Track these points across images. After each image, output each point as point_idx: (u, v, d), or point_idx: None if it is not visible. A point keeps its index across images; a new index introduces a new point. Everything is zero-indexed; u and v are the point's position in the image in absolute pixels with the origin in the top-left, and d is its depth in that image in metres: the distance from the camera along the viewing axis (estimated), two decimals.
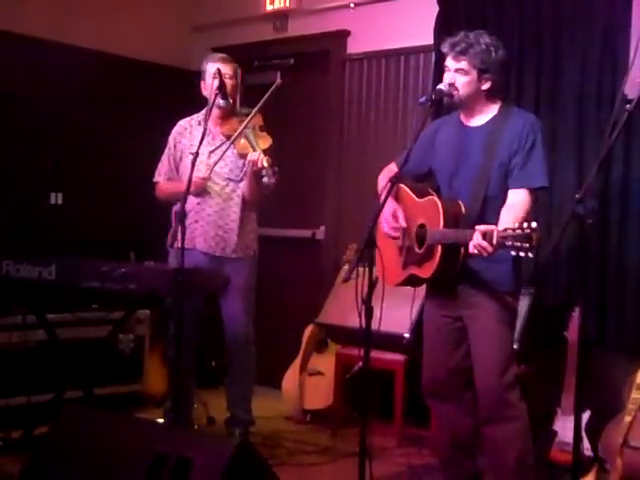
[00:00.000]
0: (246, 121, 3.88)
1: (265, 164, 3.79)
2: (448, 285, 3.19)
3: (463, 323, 3.23)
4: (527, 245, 2.63)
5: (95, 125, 5.26)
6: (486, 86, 3.16)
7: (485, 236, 2.78)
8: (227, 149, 3.85)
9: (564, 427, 3.66)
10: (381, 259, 3.00)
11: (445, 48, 3.18)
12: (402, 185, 3.32)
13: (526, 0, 4.42)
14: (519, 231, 2.65)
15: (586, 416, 3.59)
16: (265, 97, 3.86)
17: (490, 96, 3.20)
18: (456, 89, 3.12)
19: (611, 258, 4.11)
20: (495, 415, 3.13)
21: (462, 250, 3.03)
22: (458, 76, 3.12)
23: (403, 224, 3.23)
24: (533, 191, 3.10)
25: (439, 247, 3.05)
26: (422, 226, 3.16)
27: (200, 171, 3.89)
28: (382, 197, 3.00)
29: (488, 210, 3.08)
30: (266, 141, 3.96)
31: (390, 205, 3.25)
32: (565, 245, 4.10)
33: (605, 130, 2.55)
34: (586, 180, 2.59)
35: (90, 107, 5.25)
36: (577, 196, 2.48)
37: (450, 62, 3.15)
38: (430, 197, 3.18)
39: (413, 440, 4.44)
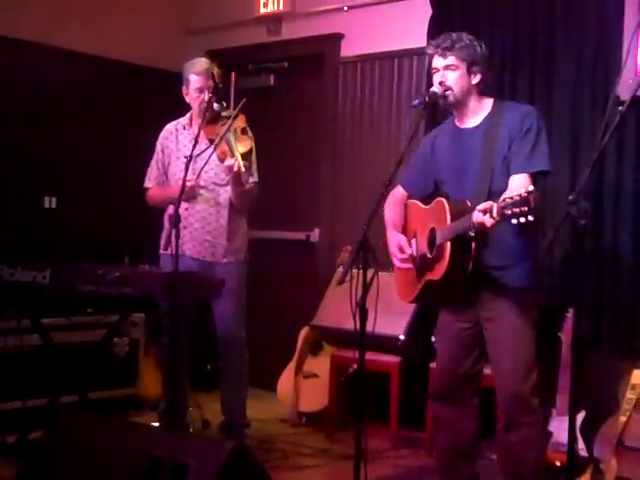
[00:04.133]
0: (225, 128, 3.86)
1: (242, 169, 3.78)
2: (469, 289, 3.14)
3: (480, 327, 3.20)
4: (526, 208, 2.59)
5: (90, 129, 5.26)
6: (476, 80, 3.16)
7: (485, 212, 2.77)
8: (211, 154, 3.83)
9: (559, 428, 3.67)
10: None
11: (430, 50, 3.19)
12: (410, 200, 3.35)
13: (519, 2, 4.43)
14: (517, 197, 2.63)
15: (581, 417, 3.59)
16: (235, 112, 3.86)
17: (481, 92, 3.20)
18: (448, 88, 3.11)
19: (605, 259, 4.12)
20: (519, 421, 3.12)
21: (473, 244, 2.99)
22: (448, 73, 3.12)
23: (408, 251, 3.23)
24: (533, 175, 3.05)
25: (448, 244, 3.00)
26: (433, 230, 3.13)
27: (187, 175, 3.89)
28: (377, 201, 2.98)
29: None
30: (245, 145, 3.91)
31: (393, 238, 3.27)
32: (559, 246, 4.10)
33: (598, 131, 2.55)
34: (579, 181, 2.60)
35: (85, 111, 5.25)
36: (570, 197, 2.49)
37: (438, 61, 3.15)
38: (437, 199, 3.16)
39: (408, 442, 4.45)
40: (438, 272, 3.07)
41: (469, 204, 3.02)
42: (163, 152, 4.14)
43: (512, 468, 3.18)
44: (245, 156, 3.86)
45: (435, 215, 3.12)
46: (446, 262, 3.01)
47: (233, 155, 3.80)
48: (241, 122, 3.97)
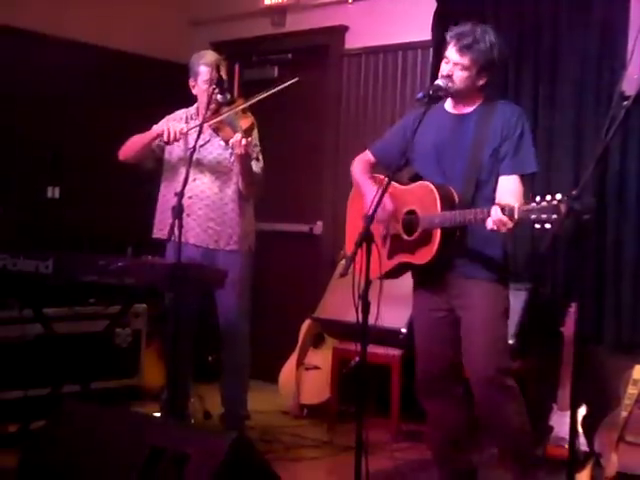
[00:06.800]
0: (233, 110, 3.86)
1: (248, 140, 3.76)
2: (438, 272, 3.16)
3: (455, 315, 3.21)
4: (555, 216, 2.60)
5: (93, 119, 5.25)
6: (481, 82, 3.15)
7: (504, 210, 2.77)
8: (202, 123, 3.79)
9: (560, 422, 3.68)
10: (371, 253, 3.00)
11: (450, 36, 3.13)
12: (381, 175, 3.30)
13: None
14: (544, 203, 2.63)
15: (582, 411, 3.60)
16: (266, 94, 3.86)
17: (481, 90, 3.20)
18: (453, 82, 3.11)
19: (608, 254, 4.12)
20: (495, 401, 3.12)
21: (457, 232, 3.02)
22: (457, 70, 3.11)
23: (390, 207, 3.16)
24: (524, 176, 3.12)
25: (438, 231, 3.02)
26: (411, 212, 3.14)
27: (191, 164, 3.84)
28: (378, 193, 2.98)
29: (480, 195, 3.08)
30: (247, 121, 3.92)
31: (373, 190, 3.18)
32: (562, 241, 4.10)
33: (603, 127, 2.55)
34: (583, 176, 2.60)
35: (88, 101, 5.24)
36: (574, 192, 2.49)
37: (453, 54, 3.11)
38: (421, 182, 3.16)
39: (409, 435, 4.45)
40: (422, 257, 3.09)
41: (454, 192, 3.06)
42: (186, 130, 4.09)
43: (505, 454, 3.21)
44: (248, 131, 3.86)
45: (419, 198, 3.12)
46: (435, 249, 3.04)
47: (235, 131, 3.80)
48: (241, 104, 3.96)
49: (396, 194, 3.23)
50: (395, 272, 3.28)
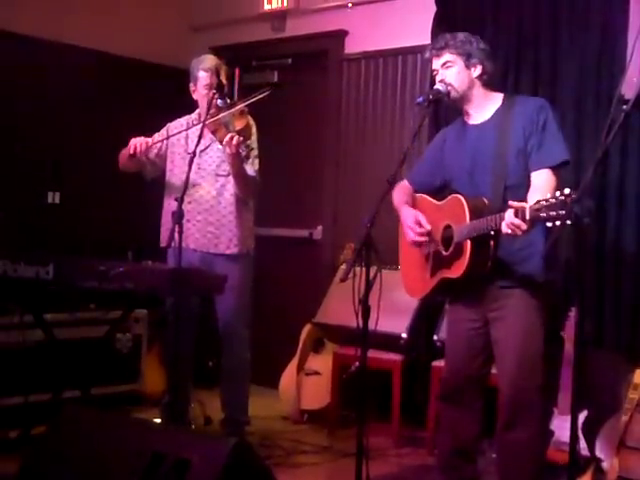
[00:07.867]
0: (225, 113, 3.87)
1: (240, 139, 3.75)
2: (476, 285, 3.11)
3: (488, 328, 3.17)
4: (563, 212, 2.51)
5: (93, 124, 5.26)
6: (477, 72, 3.15)
7: (517, 213, 2.71)
8: (201, 123, 3.80)
9: (561, 427, 3.67)
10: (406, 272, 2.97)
11: (427, 54, 3.22)
12: (420, 195, 3.32)
13: (524, 1, 4.43)
14: (553, 200, 2.55)
15: (583, 416, 3.59)
16: (252, 99, 3.87)
17: (487, 85, 3.18)
18: (449, 84, 3.12)
19: (608, 257, 4.12)
20: (518, 420, 3.09)
21: (492, 242, 2.95)
22: (445, 70, 3.13)
23: (427, 227, 3.17)
24: (555, 168, 3.02)
25: (468, 243, 2.97)
26: (448, 227, 3.10)
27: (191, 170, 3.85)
28: (380, 199, 2.97)
29: (513, 200, 2.87)
30: (241, 122, 3.90)
31: (410, 213, 3.23)
32: (562, 244, 4.09)
33: (602, 130, 2.55)
34: (583, 179, 2.59)
35: (88, 106, 5.25)
36: (574, 196, 2.48)
37: (435, 62, 3.17)
38: (452, 196, 3.12)
39: (410, 440, 4.45)
40: (457, 270, 3.03)
41: (486, 201, 3.01)
42: (167, 135, 4.10)
43: (511, 471, 3.15)
44: (242, 132, 3.85)
45: (451, 212, 3.09)
46: (466, 261, 2.98)
47: (229, 132, 3.80)
48: (238, 105, 3.96)
49: (433, 211, 3.22)
50: (439, 290, 3.21)
